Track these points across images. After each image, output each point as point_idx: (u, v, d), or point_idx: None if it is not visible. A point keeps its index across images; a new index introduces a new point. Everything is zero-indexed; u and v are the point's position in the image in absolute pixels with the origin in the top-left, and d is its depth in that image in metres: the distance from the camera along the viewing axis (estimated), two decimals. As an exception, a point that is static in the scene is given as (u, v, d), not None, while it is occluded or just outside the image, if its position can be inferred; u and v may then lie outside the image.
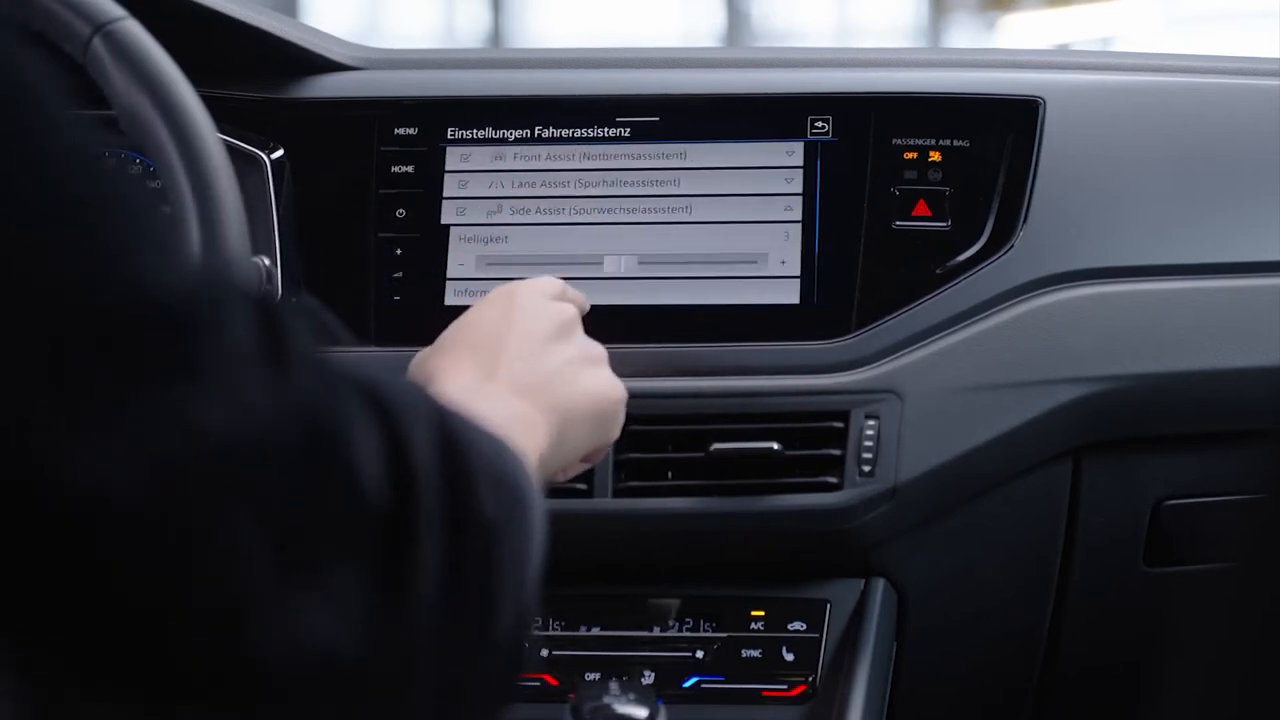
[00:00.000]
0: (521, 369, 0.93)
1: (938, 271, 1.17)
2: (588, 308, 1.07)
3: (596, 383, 0.99)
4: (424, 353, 0.96)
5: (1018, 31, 8.96)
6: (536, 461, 0.87)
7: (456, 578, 0.64)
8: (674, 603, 1.16)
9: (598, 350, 1.01)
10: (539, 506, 0.74)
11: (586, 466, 1.05)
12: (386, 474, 0.61)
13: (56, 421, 0.54)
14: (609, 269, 1.18)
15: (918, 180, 1.19)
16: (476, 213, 1.22)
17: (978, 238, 1.17)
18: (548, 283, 1.03)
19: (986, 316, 1.16)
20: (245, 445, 0.57)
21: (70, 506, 0.54)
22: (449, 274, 1.20)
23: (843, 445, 1.13)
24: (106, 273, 0.56)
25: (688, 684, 1.13)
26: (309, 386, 0.60)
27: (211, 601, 0.56)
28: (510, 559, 0.68)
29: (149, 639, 0.56)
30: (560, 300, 1.02)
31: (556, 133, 1.22)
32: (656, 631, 1.15)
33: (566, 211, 1.21)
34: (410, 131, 1.23)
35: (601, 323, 1.11)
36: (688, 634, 1.15)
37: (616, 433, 1.02)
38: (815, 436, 1.13)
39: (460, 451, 0.66)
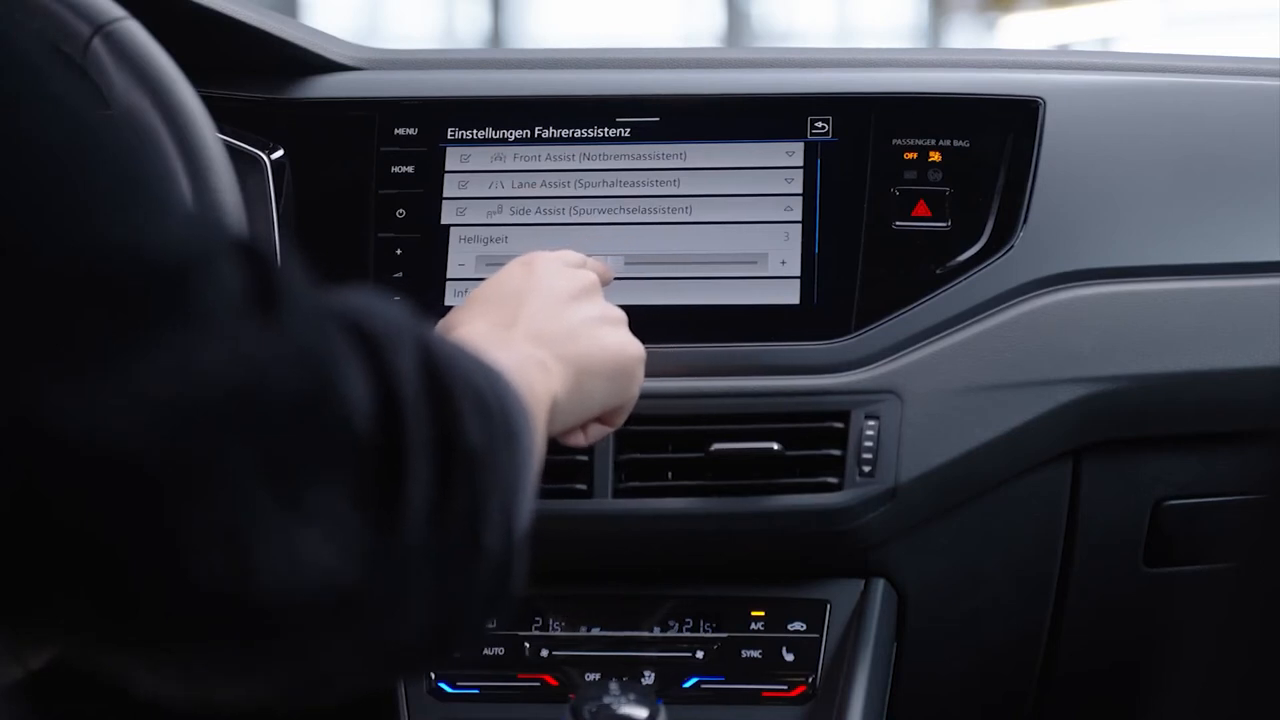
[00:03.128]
0: (541, 323, 0.95)
1: (938, 272, 1.17)
2: (610, 278, 1.10)
3: (616, 340, 1.01)
4: (444, 319, 0.98)
5: (1018, 31, 8.96)
6: (549, 405, 0.90)
7: (444, 501, 0.66)
8: (674, 603, 1.16)
9: (618, 312, 1.03)
10: (529, 432, 0.76)
11: (605, 431, 1.05)
12: (375, 405, 0.63)
13: (53, 372, 0.55)
14: (609, 269, 1.18)
15: (918, 180, 1.19)
16: (476, 213, 1.22)
17: (978, 238, 1.18)
18: (568, 253, 1.06)
19: (986, 317, 1.16)
20: (240, 387, 0.59)
21: (70, 453, 0.56)
22: (449, 274, 1.20)
23: (843, 445, 1.13)
24: (98, 226, 0.57)
25: (688, 684, 1.13)
26: (300, 327, 0.62)
27: (212, 539, 0.58)
28: (497, 484, 0.70)
29: (152, 579, 0.58)
30: (580, 268, 1.04)
31: (556, 133, 1.22)
32: (657, 632, 1.15)
33: (566, 212, 1.21)
34: (410, 132, 1.23)
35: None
36: (688, 634, 1.15)
37: (635, 392, 1.03)
38: (815, 437, 1.13)
39: (444, 377, 0.68)
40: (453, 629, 0.70)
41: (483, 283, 1.01)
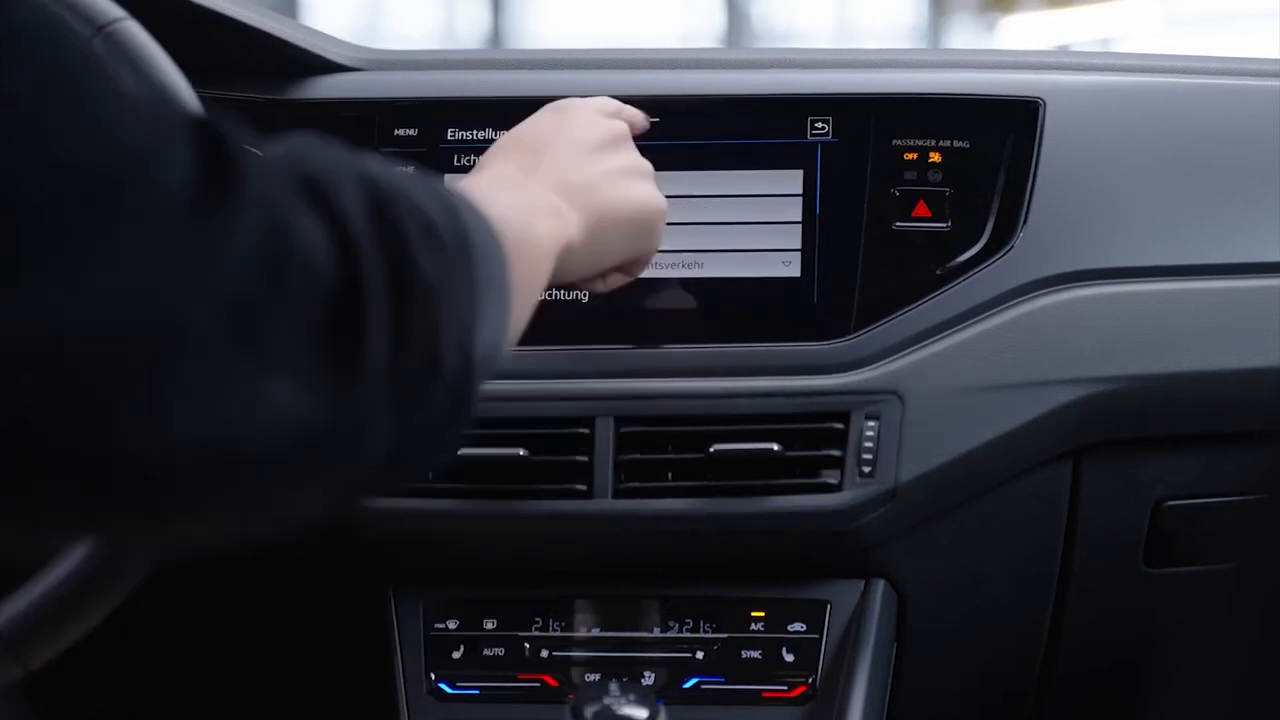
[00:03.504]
0: (563, 169, 0.96)
1: (938, 272, 1.17)
2: (646, 125, 1.12)
3: (638, 191, 1.02)
4: (478, 161, 1.00)
5: (1018, 32, 8.96)
6: (561, 251, 0.91)
7: (401, 333, 0.68)
8: (674, 603, 1.16)
9: (644, 163, 1.04)
10: (492, 255, 0.78)
11: (624, 280, 1.06)
12: (330, 250, 0.65)
13: (15, 273, 0.57)
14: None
15: (918, 181, 1.19)
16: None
17: (978, 238, 1.18)
18: (604, 101, 1.07)
19: (987, 317, 1.16)
20: (199, 260, 0.61)
21: (34, 345, 0.58)
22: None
23: (843, 446, 1.13)
24: (50, 131, 0.58)
25: (688, 685, 1.13)
26: (254, 194, 0.64)
27: (186, 400, 0.61)
28: (452, 307, 0.72)
29: (128, 448, 0.60)
30: (615, 117, 1.05)
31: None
32: (656, 632, 1.15)
33: (566, 212, 1.21)
34: (410, 132, 1.23)
35: (600, 323, 1.11)
36: (688, 634, 1.15)
37: (656, 245, 1.05)
38: (815, 437, 1.13)
39: (389, 210, 0.70)
40: (414, 454, 0.73)
41: (514, 128, 1.02)
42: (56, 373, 0.58)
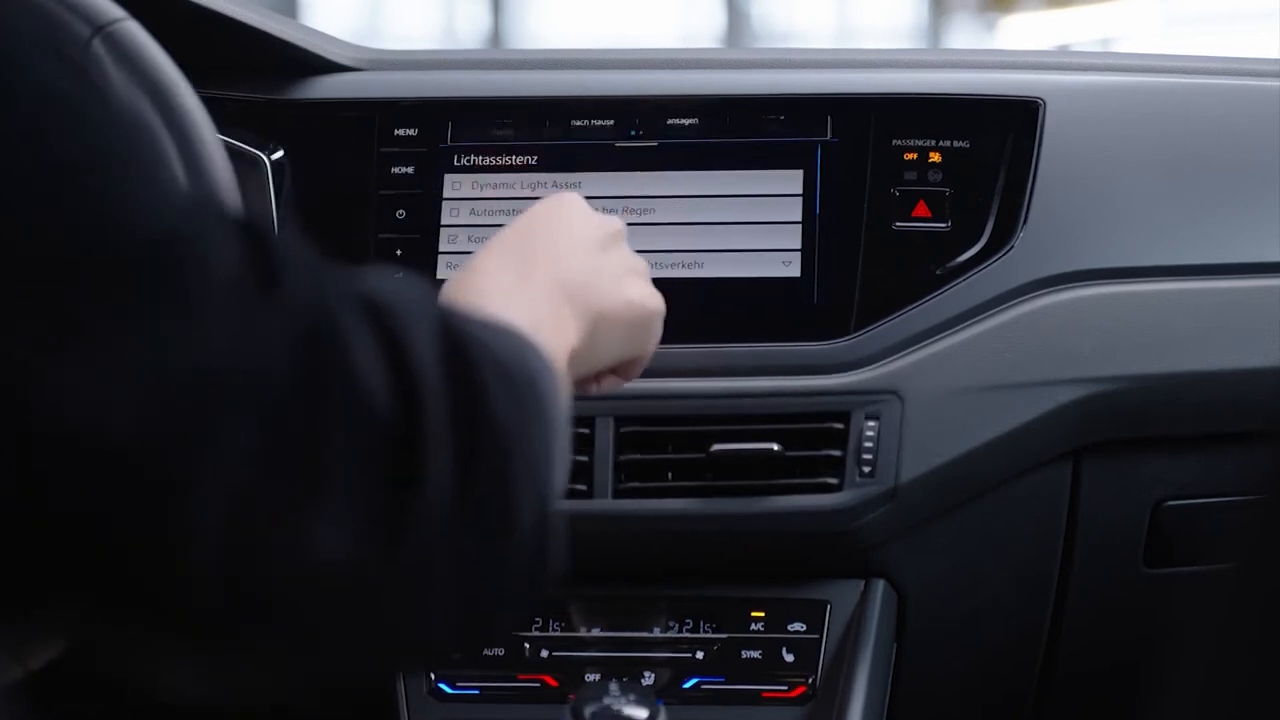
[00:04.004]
0: (564, 270, 0.93)
1: (938, 272, 1.17)
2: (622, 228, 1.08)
3: (635, 292, 0.99)
4: (466, 261, 0.96)
5: (1018, 32, 8.96)
6: (567, 358, 0.87)
7: (469, 482, 0.63)
8: (674, 603, 1.16)
9: (640, 262, 1.01)
10: (561, 403, 0.73)
11: (618, 383, 1.03)
12: (388, 381, 0.61)
13: (50, 357, 0.54)
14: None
15: (918, 181, 1.19)
16: (477, 214, 1.22)
17: (978, 238, 1.18)
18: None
19: (987, 317, 1.16)
20: (240, 365, 0.57)
21: (66, 439, 0.55)
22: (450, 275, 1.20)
23: (843, 446, 1.13)
24: (92, 210, 0.56)
25: (688, 685, 1.13)
26: (304, 303, 0.60)
27: (216, 524, 0.56)
28: (528, 459, 0.67)
29: (153, 564, 0.57)
30: (603, 215, 1.03)
31: (556, 134, 1.22)
32: (656, 632, 1.15)
33: (566, 212, 1.21)
34: (410, 133, 1.23)
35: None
36: (688, 635, 1.15)
37: (652, 346, 1.02)
38: (815, 437, 1.13)
39: (466, 351, 0.65)
40: (488, 616, 0.67)
41: (509, 223, 0.99)
42: (75, 455, 0.55)
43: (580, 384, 0.99)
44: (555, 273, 0.92)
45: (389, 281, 0.67)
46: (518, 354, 0.71)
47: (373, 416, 0.60)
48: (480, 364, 0.66)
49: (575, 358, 0.89)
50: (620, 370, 1.02)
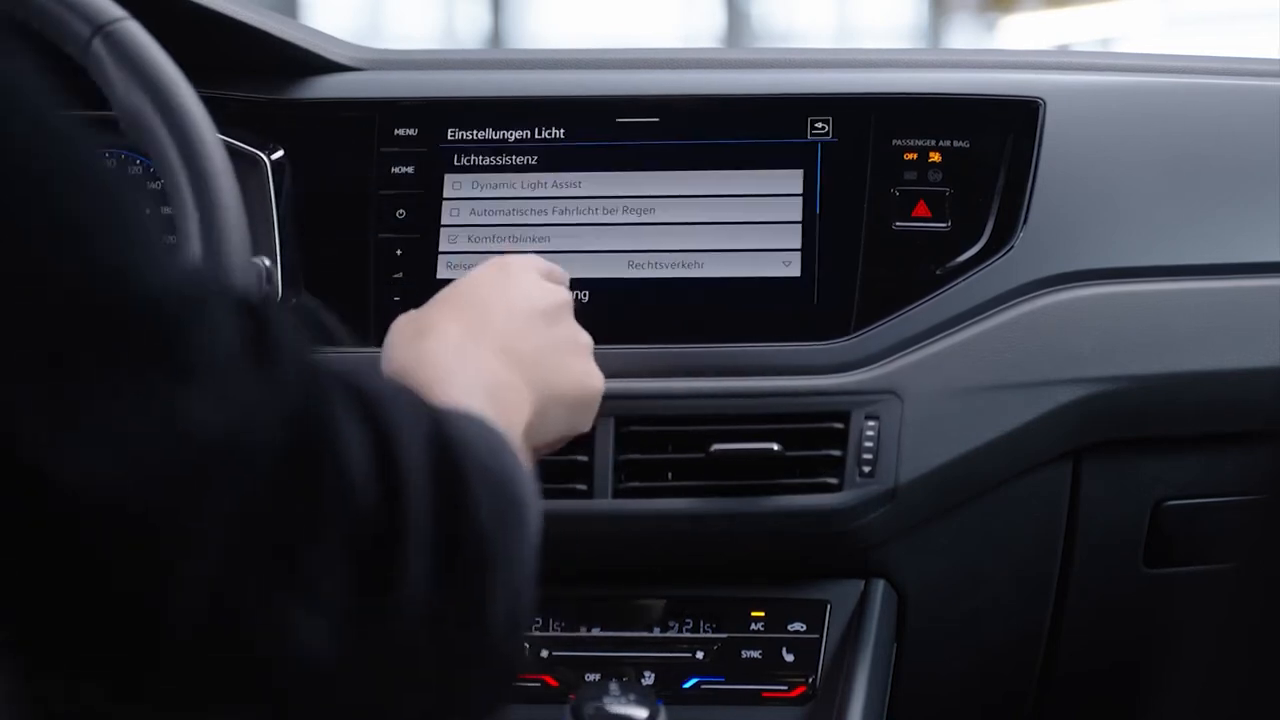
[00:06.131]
0: (513, 338, 0.92)
1: (938, 272, 1.17)
2: (567, 283, 1.07)
3: (582, 369, 0.99)
4: (410, 313, 0.94)
5: (1018, 32, 8.96)
6: (521, 436, 0.86)
7: (447, 580, 0.63)
8: (674, 603, 1.16)
9: (585, 338, 1.01)
10: (535, 505, 0.73)
11: (546, 452, 1.02)
12: (374, 475, 0.61)
13: (43, 416, 0.54)
14: (609, 269, 1.18)
15: (918, 181, 1.19)
16: (477, 214, 1.22)
17: (978, 238, 1.18)
18: (536, 260, 1.03)
19: (987, 317, 1.16)
20: (231, 443, 0.57)
21: (56, 500, 0.54)
22: (449, 275, 1.20)
23: (843, 446, 1.13)
24: (95, 272, 0.56)
25: (688, 685, 1.13)
26: (297, 386, 0.60)
27: (195, 600, 0.56)
28: (504, 562, 0.67)
29: (133, 635, 0.56)
30: (549, 279, 1.02)
31: (556, 133, 1.22)
32: (656, 632, 1.15)
33: (567, 212, 1.21)
34: (410, 132, 1.23)
35: (601, 323, 1.11)
36: (688, 635, 1.15)
37: (588, 425, 1.02)
38: (815, 437, 1.13)
39: (454, 454, 0.65)
40: (454, 713, 0.68)
41: (453, 283, 0.98)
42: (59, 520, 0.54)
43: None
44: (503, 339, 0.91)
45: (379, 377, 0.67)
46: (497, 455, 0.71)
47: (356, 509, 0.60)
48: (466, 467, 0.66)
49: (525, 433, 0.88)
50: (553, 444, 1.01)
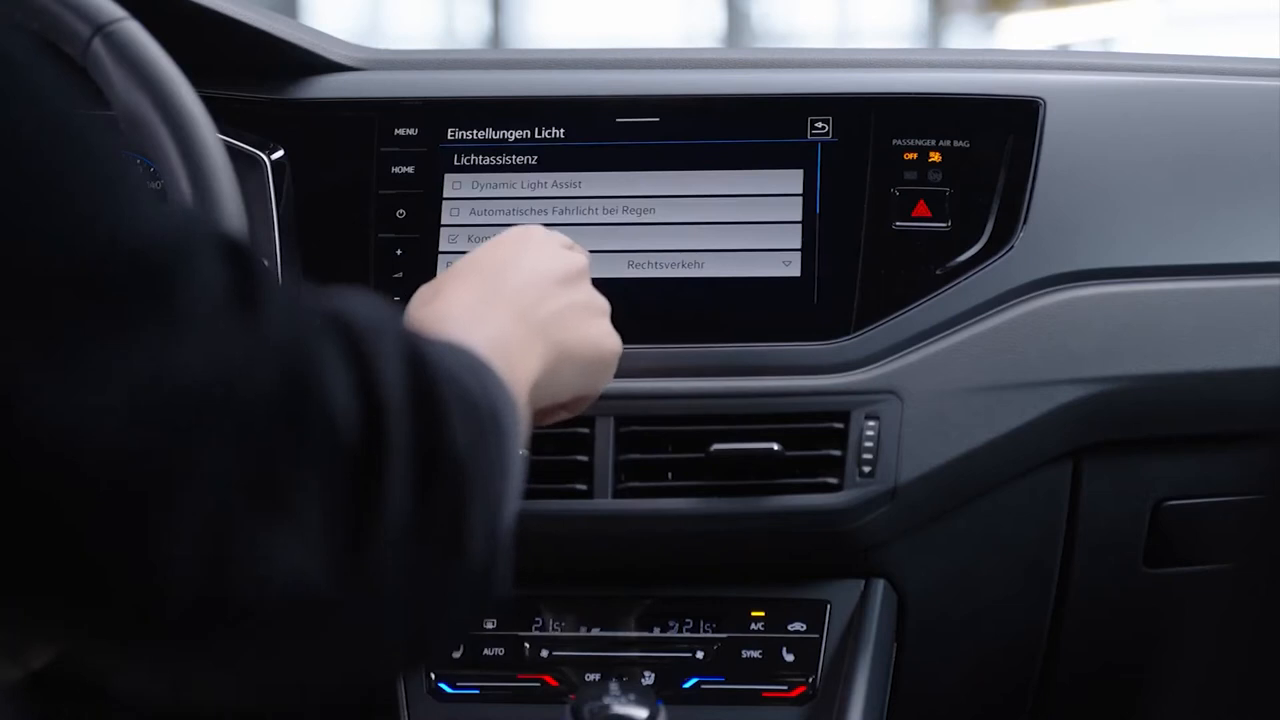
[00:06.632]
0: (526, 301, 0.94)
1: (938, 272, 1.17)
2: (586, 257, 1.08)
3: (597, 330, 1.01)
4: (431, 281, 0.97)
5: (1018, 32, 8.96)
6: (528, 389, 0.88)
7: (425, 508, 0.65)
8: (674, 603, 1.16)
9: (602, 301, 1.03)
10: (516, 427, 0.75)
11: (566, 416, 1.04)
12: (356, 408, 0.63)
13: (31, 369, 0.55)
14: (609, 269, 1.18)
15: (918, 181, 1.19)
16: (477, 213, 1.22)
17: (978, 238, 1.18)
18: (561, 235, 1.05)
19: (986, 317, 1.16)
20: (220, 390, 0.58)
21: (47, 449, 0.55)
22: (449, 274, 1.20)
23: (843, 446, 1.13)
24: (78, 223, 0.57)
25: (688, 685, 1.13)
26: (281, 325, 0.61)
27: (186, 536, 0.58)
28: (482, 487, 0.69)
29: (124, 575, 0.58)
30: (570, 250, 1.03)
31: (556, 133, 1.22)
32: (656, 632, 1.15)
33: (567, 212, 1.21)
34: (410, 132, 1.23)
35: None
36: (688, 634, 1.15)
37: (604, 386, 1.03)
38: (815, 437, 1.13)
39: (431, 380, 0.67)
40: (433, 634, 0.70)
41: (473, 250, 1.00)
42: (51, 472, 0.56)
43: (533, 416, 1.00)
44: (520, 302, 0.93)
45: (361, 302, 0.68)
46: (481, 382, 0.73)
47: (340, 440, 0.62)
48: (444, 392, 0.67)
49: (537, 387, 0.90)
50: (569, 405, 1.03)
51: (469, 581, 0.69)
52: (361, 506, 0.62)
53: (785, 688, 1.13)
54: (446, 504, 0.66)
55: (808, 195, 1.19)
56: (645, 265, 1.19)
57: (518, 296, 0.93)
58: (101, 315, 0.56)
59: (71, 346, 0.55)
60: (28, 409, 0.55)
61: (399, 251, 1.21)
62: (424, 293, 0.94)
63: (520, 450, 0.76)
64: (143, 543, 0.57)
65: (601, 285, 1.18)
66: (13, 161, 0.56)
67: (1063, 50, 4.48)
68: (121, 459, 0.56)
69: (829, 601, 1.15)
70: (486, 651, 1.15)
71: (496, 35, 9.02)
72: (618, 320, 1.15)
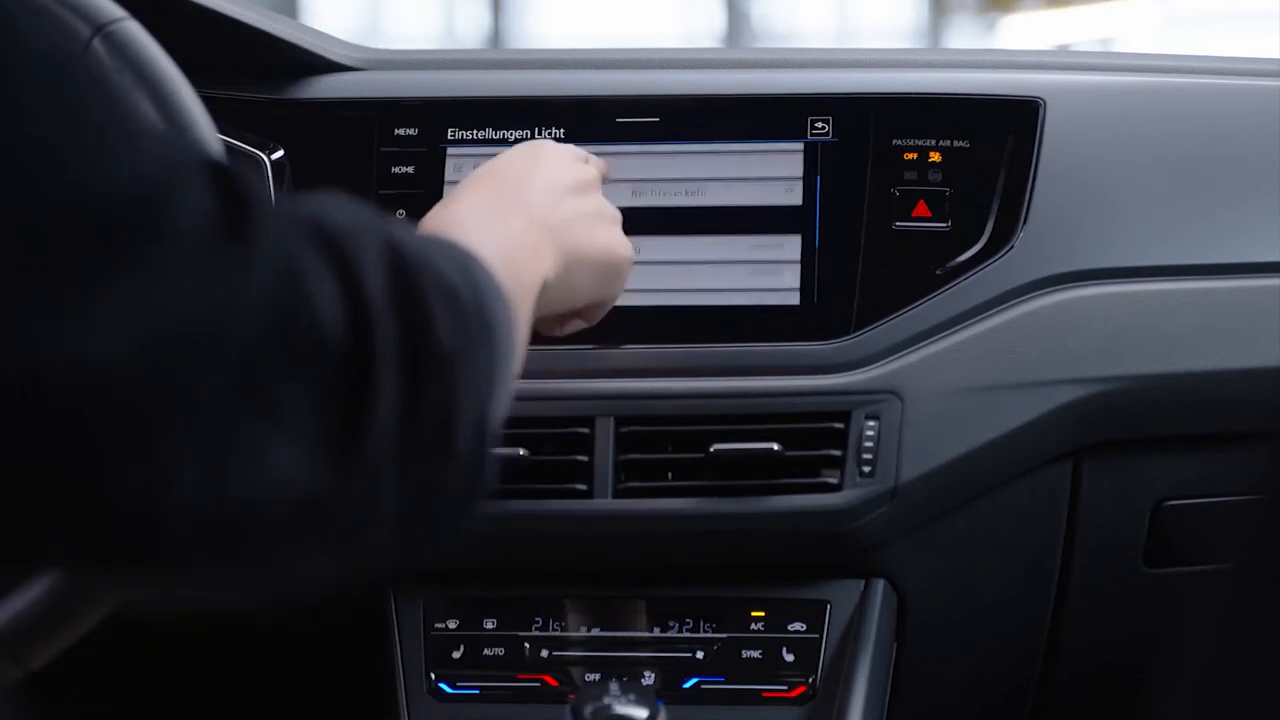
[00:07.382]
0: (539, 207, 0.95)
1: (938, 272, 1.17)
2: (610, 176, 1.11)
3: (609, 236, 1.03)
4: (446, 196, 0.98)
5: (1018, 32, 8.96)
6: (538, 292, 0.91)
7: (413, 404, 0.66)
8: (674, 603, 1.16)
9: (614, 210, 1.05)
10: (507, 323, 0.76)
11: (582, 325, 1.07)
12: (343, 311, 0.64)
13: (25, 305, 0.56)
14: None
15: (918, 181, 1.19)
16: (476, 213, 1.21)
17: (978, 238, 1.18)
18: (574, 148, 1.07)
19: (986, 317, 1.16)
20: (213, 313, 0.60)
21: (46, 384, 0.57)
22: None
23: (843, 446, 1.13)
24: (61, 159, 0.58)
25: (688, 684, 1.13)
26: (270, 241, 0.63)
27: (191, 458, 0.60)
28: (469, 380, 0.70)
29: (131, 501, 0.60)
30: (582, 162, 1.05)
31: (556, 134, 1.22)
32: (657, 632, 1.15)
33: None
34: (410, 132, 1.23)
35: (601, 322, 1.11)
36: (688, 634, 1.15)
37: (618, 292, 1.06)
38: (816, 437, 1.13)
39: (412, 277, 0.68)
40: (424, 530, 0.71)
41: (487, 162, 1.01)
42: (56, 410, 0.57)
43: (547, 322, 1.03)
44: (532, 208, 0.95)
45: (339, 206, 0.70)
46: (467, 275, 0.74)
47: (329, 348, 0.64)
48: (427, 289, 0.69)
49: (548, 289, 0.93)
50: (585, 313, 1.06)
51: (458, 478, 0.70)
52: (352, 407, 0.64)
53: (785, 688, 1.13)
54: (434, 400, 0.68)
55: (808, 195, 1.19)
56: (646, 265, 1.19)
57: (530, 202, 0.95)
58: (89, 251, 0.57)
59: (61, 284, 0.57)
60: (24, 350, 0.56)
61: (399, 251, 1.21)
62: (436, 209, 0.95)
63: (514, 347, 0.77)
64: (148, 463, 0.59)
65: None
66: None
67: (1063, 50, 4.48)
68: (120, 390, 0.58)
69: (829, 601, 1.15)
70: (486, 651, 1.15)
71: (496, 35, 9.02)
72: (618, 320, 1.16)
